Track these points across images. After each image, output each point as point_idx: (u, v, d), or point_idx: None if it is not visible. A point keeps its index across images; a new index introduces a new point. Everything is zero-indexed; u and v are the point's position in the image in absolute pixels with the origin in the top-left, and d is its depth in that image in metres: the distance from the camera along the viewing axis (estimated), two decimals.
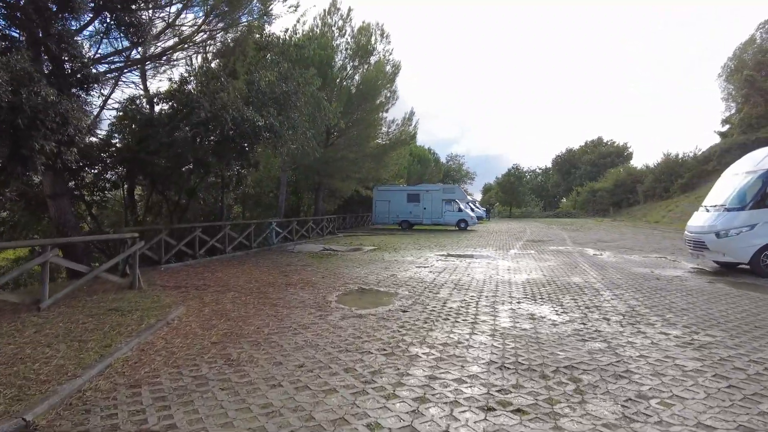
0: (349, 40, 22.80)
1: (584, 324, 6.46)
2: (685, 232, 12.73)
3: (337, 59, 22.24)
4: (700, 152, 53.24)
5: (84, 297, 7.64)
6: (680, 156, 54.24)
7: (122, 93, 13.79)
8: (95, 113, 10.12)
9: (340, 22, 22.91)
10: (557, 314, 7.07)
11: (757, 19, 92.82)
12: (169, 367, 4.70)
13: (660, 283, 9.90)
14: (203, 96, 10.93)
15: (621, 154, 77.52)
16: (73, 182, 12.06)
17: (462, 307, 7.52)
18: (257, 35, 12.75)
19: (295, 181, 26.41)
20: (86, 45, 10.56)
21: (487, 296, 8.42)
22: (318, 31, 22.07)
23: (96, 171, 12.17)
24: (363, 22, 22.65)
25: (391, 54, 22.68)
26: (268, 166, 23.25)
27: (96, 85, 9.03)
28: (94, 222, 13.48)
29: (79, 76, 8.69)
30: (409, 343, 5.49)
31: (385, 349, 5.25)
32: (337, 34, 22.91)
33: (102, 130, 12.30)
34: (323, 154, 21.25)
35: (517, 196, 68.60)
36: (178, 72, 12.42)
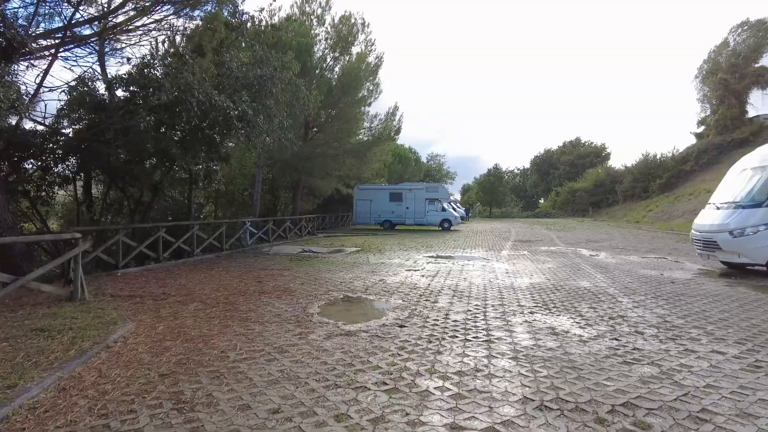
0: (329, 29, 21.54)
1: (618, 340, 5.41)
2: (693, 231, 11.91)
3: (316, 49, 20.96)
4: (677, 153, 53.72)
5: (5, 313, 6.21)
6: (658, 156, 54.60)
7: (73, 74, 12.06)
8: (31, 93, 8.63)
9: (319, 11, 21.63)
10: (581, 327, 6.00)
11: (730, 22, 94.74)
12: (93, 416, 3.42)
13: (677, 287, 8.98)
14: (165, 77, 9.53)
15: (599, 155, 78.05)
16: (14, 176, 10.49)
17: (468, 319, 6.40)
18: (228, 12, 11.38)
19: (272, 178, 24.99)
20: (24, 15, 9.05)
21: (493, 305, 7.31)
22: (296, 20, 20.73)
23: (41, 163, 10.61)
24: (345, 12, 21.43)
25: (373, 45, 21.53)
26: (242, 162, 21.79)
27: (26, 59, 7.57)
28: (42, 222, 11.90)
29: None
30: (415, 373, 4.32)
31: (385, 383, 4.07)
32: (315, 23, 21.62)
33: (51, 115, 10.71)
34: (302, 150, 19.95)
35: (497, 196, 68.29)
36: (141, 53, 11.00)
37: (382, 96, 24.01)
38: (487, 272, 10.98)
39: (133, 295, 7.90)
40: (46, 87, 9.05)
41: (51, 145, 10.60)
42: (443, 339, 5.43)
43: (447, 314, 6.68)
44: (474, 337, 5.50)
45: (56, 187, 11.75)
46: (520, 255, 14.90)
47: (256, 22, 12.71)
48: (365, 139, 23.36)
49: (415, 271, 11.24)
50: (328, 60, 21.50)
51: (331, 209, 33.90)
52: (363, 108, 22.13)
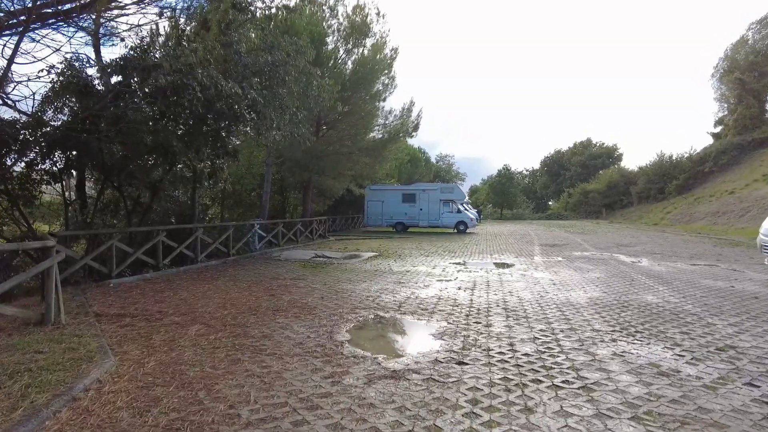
0: (341, 20, 20.21)
1: (755, 386, 4.04)
2: (761, 236, 10.49)
3: (328, 41, 19.65)
4: (695, 153, 52.08)
5: None
6: (674, 157, 52.97)
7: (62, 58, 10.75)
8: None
9: (332, 1, 20.33)
10: (690, 364, 4.63)
11: (748, 18, 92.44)
12: None
13: (766, 303, 7.57)
14: (164, 58, 8.22)
15: (611, 156, 76.45)
16: None
17: (542, 352, 5.03)
18: None
19: (281, 178, 23.71)
20: None
21: (561, 330, 5.94)
22: (307, 11, 19.45)
23: (24, 158, 9.35)
24: (358, 0, 20.09)
25: (388, 36, 20.20)
26: (250, 160, 20.53)
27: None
28: (27, 225, 10.63)
29: None
30: None
31: None
32: (328, 15, 20.32)
33: (36, 102, 9.40)
34: (313, 147, 18.63)
35: (508, 197, 66.67)
36: (140, 36, 9.73)
37: (396, 90, 22.62)
38: (531, 283, 9.60)
39: (123, 314, 6.58)
40: (32, 73, 7.81)
41: (35, 137, 9.31)
42: (524, 385, 4.06)
43: (511, 344, 5.31)
44: (564, 382, 4.13)
45: (43, 186, 10.48)
46: (556, 262, 13.49)
47: (267, 1, 11.39)
48: (379, 136, 22.01)
49: (448, 281, 9.89)
50: (341, 53, 20.18)
51: (341, 211, 32.58)
52: (378, 103, 20.81)
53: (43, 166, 10.22)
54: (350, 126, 20.18)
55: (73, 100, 8.75)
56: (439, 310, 7.00)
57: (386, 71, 20.43)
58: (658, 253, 16.11)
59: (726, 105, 58.51)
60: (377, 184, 31.16)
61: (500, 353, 4.97)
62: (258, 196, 21.04)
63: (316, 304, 7.44)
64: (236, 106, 9.68)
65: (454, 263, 13.13)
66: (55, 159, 9.89)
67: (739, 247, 17.91)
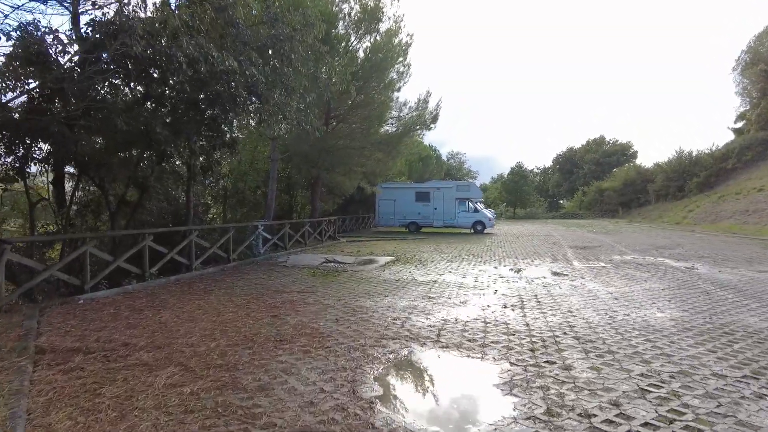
0: (352, 3, 18.51)
1: None
2: None
3: (339, 26, 17.99)
4: (716, 149, 50.00)
5: None
6: (694, 153, 50.90)
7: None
8: None
9: None
10: None
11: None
12: None
13: None
14: (137, 19, 6.63)
15: (625, 153, 74.36)
16: None
17: (669, 418, 3.37)
18: None
19: (288, 176, 22.13)
20: None
21: (671, 374, 4.27)
22: None
23: None
24: None
25: (402, 20, 18.51)
26: (254, 155, 18.96)
27: None
28: None
29: None
30: None
31: None
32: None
33: None
34: (322, 141, 17.06)
35: (522, 196, 64.69)
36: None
37: (410, 80, 20.80)
38: (588, 297, 7.92)
39: (77, 349, 5.00)
40: None
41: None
42: None
43: (616, 404, 3.65)
44: None
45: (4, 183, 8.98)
46: (601, 269, 11.77)
47: None
48: (393, 129, 20.30)
49: (485, 294, 8.23)
50: (352, 39, 18.52)
51: (350, 210, 30.91)
52: (391, 93, 19.13)
53: (7, 159, 8.70)
54: (362, 118, 18.49)
55: (31, 72, 7.15)
56: (492, 342, 5.35)
57: (401, 59, 18.72)
58: (706, 256, 14.35)
59: (748, 99, 56.39)
60: (389, 183, 29.50)
61: (609, 422, 3.33)
62: (263, 195, 19.47)
63: (330, 330, 5.82)
64: (233, 86, 8.11)
65: (483, 270, 11.47)
66: (18, 151, 8.33)
67: None
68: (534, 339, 5.44)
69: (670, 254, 15.01)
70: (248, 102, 9.17)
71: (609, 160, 72.42)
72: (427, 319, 6.40)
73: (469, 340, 5.38)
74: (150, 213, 13.61)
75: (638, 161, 69.46)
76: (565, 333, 5.70)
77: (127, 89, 8.16)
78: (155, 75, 7.39)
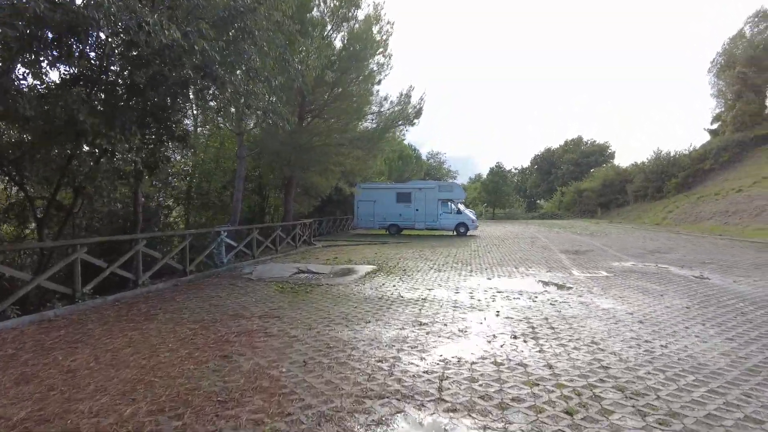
0: None
1: None
2: None
3: (314, 12, 16.46)
4: (694, 150, 50.40)
5: None
6: (672, 154, 51.16)
7: None
8: None
9: None
10: None
11: (746, 12, 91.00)
12: None
13: None
14: None
15: (603, 153, 74.79)
16: None
17: None
18: None
19: (259, 175, 20.47)
20: None
21: None
22: None
23: None
24: None
25: (383, 8, 17.10)
26: (220, 152, 17.27)
27: None
28: None
29: None
30: None
31: None
32: None
33: None
34: (296, 137, 15.53)
35: (501, 196, 64.01)
36: None
37: (392, 72, 19.15)
38: (608, 321, 6.64)
39: None
40: None
41: None
42: None
43: None
44: None
45: None
46: (604, 279, 10.60)
47: None
48: (373, 126, 18.82)
49: (485, 317, 6.89)
50: (329, 27, 17.02)
51: (327, 212, 29.30)
52: (371, 86, 17.68)
53: None
54: (340, 112, 16.98)
55: None
56: (513, 399, 3.97)
57: (381, 49, 17.31)
58: (708, 262, 13.40)
59: (723, 101, 57.07)
60: (368, 183, 28.07)
61: None
62: (232, 197, 17.80)
63: (295, 382, 4.36)
64: (181, 66, 6.57)
65: (474, 279, 10.16)
66: None
67: None
68: (566, 392, 4.10)
69: (669, 260, 14.00)
70: (202, 87, 7.62)
71: (587, 160, 72.68)
72: (422, 360, 4.99)
73: (483, 398, 4.00)
74: (99, 219, 11.91)
75: (616, 161, 69.95)
76: (602, 381, 4.38)
77: (49, 68, 6.51)
78: (74, 46, 5.80)
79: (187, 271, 10.73)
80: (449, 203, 26.86)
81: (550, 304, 7.86)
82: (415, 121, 17.68)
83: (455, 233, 26.71)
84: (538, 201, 78.11)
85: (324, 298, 8.41)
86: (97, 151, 8.27)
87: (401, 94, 18.19)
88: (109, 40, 5.50)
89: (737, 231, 26.32)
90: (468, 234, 26.61)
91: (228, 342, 5.64)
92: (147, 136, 8.06)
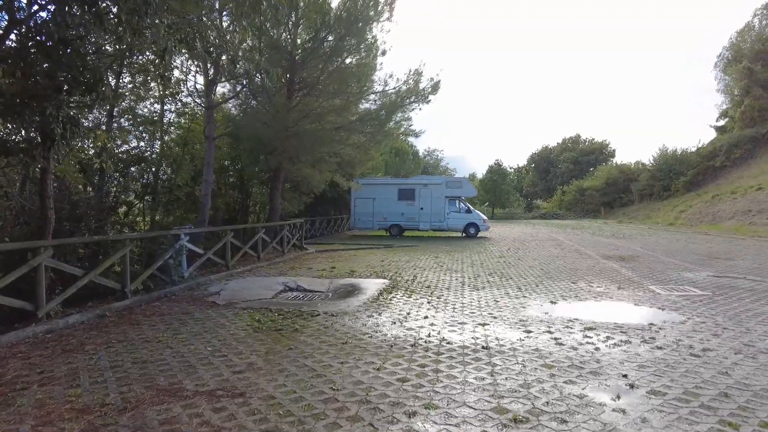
0: None
1: None
2: None
3: None
4: (702, 147, 48.28)
5: None
6: (679, 151, 48.95)
7: None
8: None
9: None
10: None
11: (753, 4, 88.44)
12: None
13: None
14: None
15: (603, 151, 72.81)
16: None
17: None
18: None
19: (240, 167, 17.26)
20: None
21: None
22: None
23: None
24: None
25: None
26: (189, 134, 14.00)
27: None
28: None
29: None
30: None
31: None
32: None
33: None
34: (283, 119, 12.38)
35: (501, 195, 61.24)
36: None
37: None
38: None
39: None
40: None
41: None
42: None
43: None
44: None
45: None
46: (706, 299, 7.60)
47: None
48: (375, 107, 15.62)
49: (615, 392, 3.86)
50: None
51: (321, 210, 25.97)
52: (373, 59, 14.51)
53: None
54: (338, 83, 13.72)
55: None
56: None
57: (385, 11, 14.11)
58: None
59: (730, 97, 55.13)
60: (367, 178, 24.98)
61: None
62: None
63: None
64: None
65: (544, 309, 7.11)
66: None
67: None
68: None
69: (746, 269, 11.14)
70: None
71: (587, 158, 70.83)
72: None
73: None
74: None
75: (617, 159, 67.80)
76: None
77: None
78: None
79: (126, 292, 7.55)
80: (457, 201, 23.87)
81: (690, 353, 4.84)
82: (431, 97, 14.56)
83: (464, 234, 23.72)
84: (536, 200, 75.67)
85: (322, 343, 5.30)
86: None
87: (410, 71, 15.07)
88: None
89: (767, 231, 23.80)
90: (479, 236, 23.64)
91: None
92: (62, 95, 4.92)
